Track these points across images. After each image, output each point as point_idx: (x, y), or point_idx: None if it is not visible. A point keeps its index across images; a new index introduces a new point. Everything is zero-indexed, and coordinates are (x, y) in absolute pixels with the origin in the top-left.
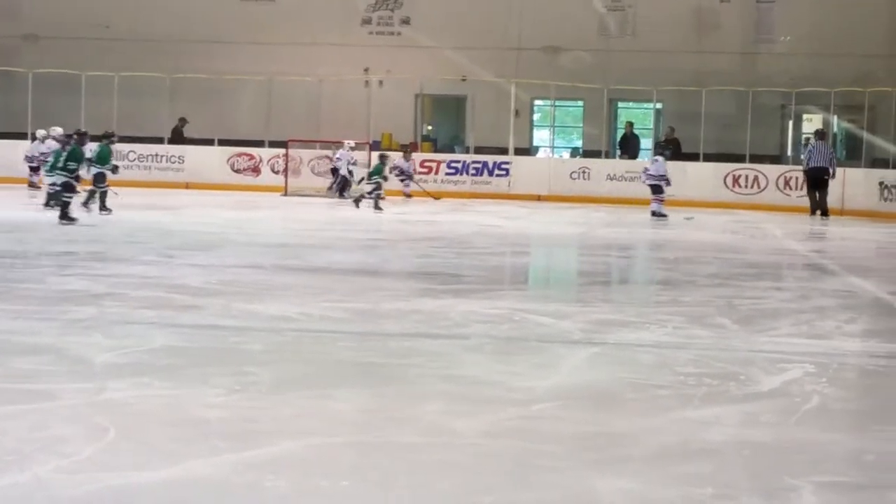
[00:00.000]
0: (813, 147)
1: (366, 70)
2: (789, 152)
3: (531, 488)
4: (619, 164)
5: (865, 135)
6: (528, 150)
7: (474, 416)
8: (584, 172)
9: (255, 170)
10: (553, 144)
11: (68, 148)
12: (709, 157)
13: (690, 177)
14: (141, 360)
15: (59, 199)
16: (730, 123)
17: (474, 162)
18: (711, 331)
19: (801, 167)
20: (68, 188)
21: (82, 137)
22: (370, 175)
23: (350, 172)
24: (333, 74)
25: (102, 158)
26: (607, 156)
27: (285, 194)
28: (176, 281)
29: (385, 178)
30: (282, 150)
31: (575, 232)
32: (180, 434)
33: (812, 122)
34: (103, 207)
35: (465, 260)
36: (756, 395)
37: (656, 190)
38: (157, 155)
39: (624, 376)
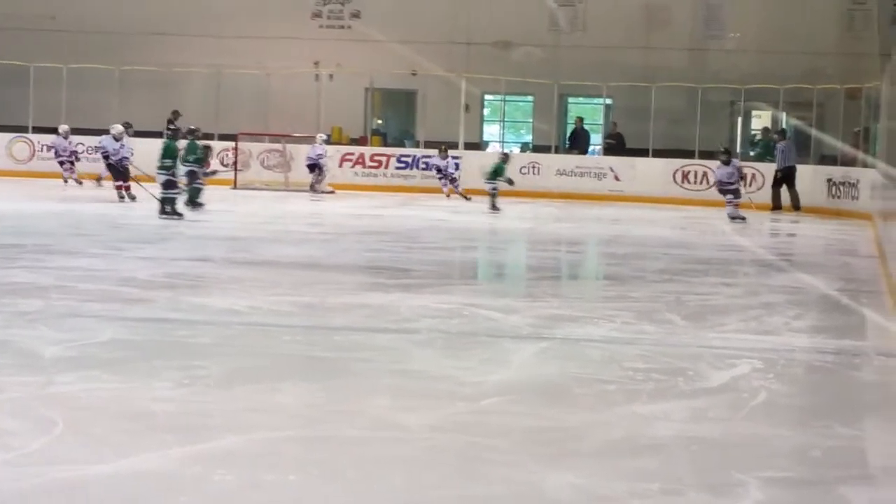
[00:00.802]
0: (785, 146)
1: (316, 63)
2: (738, 149)
3: (479, 483)
4: (569, 160)
5: (814, 132)
6: (478, 145)
7: (423, 410)
8: (533, 167)
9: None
10: (503, 139)
11: (165, 144)
12: (658, 153)
13: (640, 172)
14: (89, 353)
15: (170, 199)
16: (679, 119)
17: (424, 156)
18: (660, 326)
19: (749, 164)
20: (169, 185)
21: (175, 132)
22: (493, 175)
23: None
24: (283, 67)
25: (191, 153)
26: (557, 151)
27: (235, 187)
28: (124, 274)
29: (510, 182)
30: (231, 144)
31: (524, 227)
32: (128, 427)
33: (761, 119)
34: (194, 204)
35: (415, 254)
36: (704, 390)
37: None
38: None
39: (572, 371)
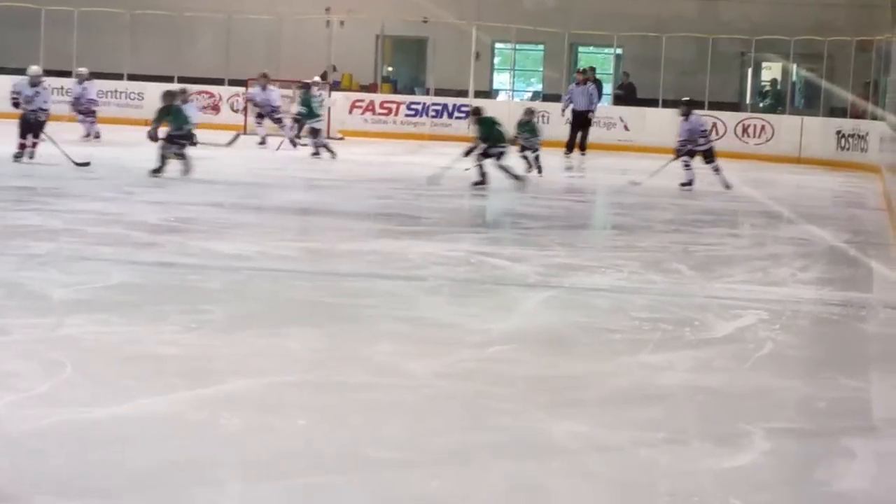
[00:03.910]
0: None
1: (327, 9)
2: (748, 100)
3: (483, 430)
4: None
5: (824, 84)
6: (488, 94)
7: (428, 357)
8: (543, 116)
9: (215, 108)
10: (513, 88)
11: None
12: (668, 104)
13: (649, 123)
14: (97, 296)
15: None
16: (689, 70)
17: (434, 104)
18: (667, 276)
19: (759, 115)
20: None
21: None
22: (530, 131)
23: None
24: (294, 13)
25: (305, 106)
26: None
27: (244, 133)
28: (134, 218)
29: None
30: (241, 89)
31: (533, 175)
32: (136, 371)
33: (771, 70)
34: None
35: (424, 202)
36: (710, 341)
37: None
38: (116, 91)
39: (579, 320)
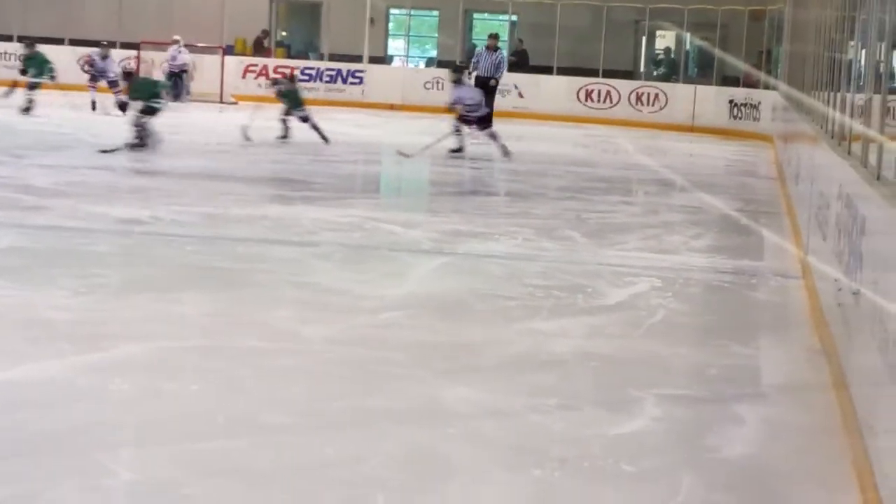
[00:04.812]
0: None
1: None
2: (642, 68)
3: (378, 395)
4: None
5: (717, 53)
6: (382, 59)
7: (323, 323)
8: (438, 83)
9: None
10: (408, 54)
11: None
12: (562, 71)
13: (543, 90)
14: None
15: None
16: (584, 37)
17: (328, 69)
18: (560, 243)
19: (653, 83)
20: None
21: None
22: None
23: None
24: None
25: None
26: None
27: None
28: (24, 181)
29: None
30: (134, 52)
31: (429, 142)
32: (26, 335)
33: (665, 39)
34: None
35: (318, 167)
36: (603, 308)
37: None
38: (5, 53)
39: (473, 287)
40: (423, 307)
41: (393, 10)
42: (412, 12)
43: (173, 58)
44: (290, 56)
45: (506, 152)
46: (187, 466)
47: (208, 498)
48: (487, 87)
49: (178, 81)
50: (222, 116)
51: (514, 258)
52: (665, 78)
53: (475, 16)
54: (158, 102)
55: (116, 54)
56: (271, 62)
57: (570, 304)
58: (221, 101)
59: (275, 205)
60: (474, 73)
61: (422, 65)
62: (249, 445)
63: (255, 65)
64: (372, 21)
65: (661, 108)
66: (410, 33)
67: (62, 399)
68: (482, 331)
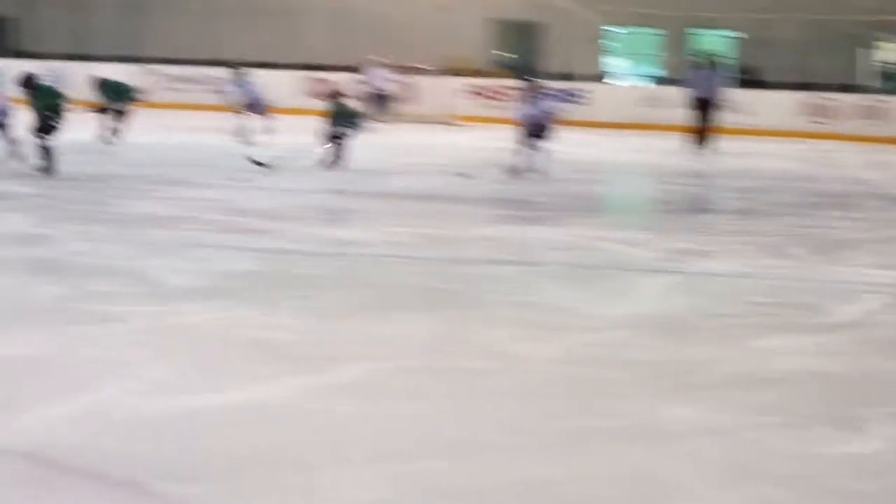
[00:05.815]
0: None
1: None
2: (863, 81)
3: (598, 415)
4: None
5: None
6: (600, 78)
7: (545, 342)
8: (661, 101)
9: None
10: (630, 72)
11: None
12: (782, 86)
13: (765, 105)
14: (212, 283)
15: None
16: (805, 51)
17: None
18: (786, 260)
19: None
20: None
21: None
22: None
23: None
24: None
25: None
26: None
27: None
28: (249, 205)
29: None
30: (356, 75)
31: (651, 160)
32: (249, 357)
33: (887, 51)
34: None
35: (540, 187)
36: (829, 325)
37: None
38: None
39: (697, 305)
40: (645, 326)
41: (613, 29)
42: (631, 30)
43: (373, 79)
44: (509, 76)
45: (515, 171)
46: (407, 486)
47: None
48: (707, 105)
49: (377, 102)
50: (440, 138)
51: (738, 276)
52: (891, 91)
53: (694, 31)
54: (54, 118)
55: (334, 77)
56: (491, 82)
57: (795, 321)
58: (445, 123)
59: (496, 225)
60: (693, 92)
61: (644, 83)
62: (467, 465)
63: (474, 85)
64: (595, 39)
65: (887, 122)
66: (630, 52)
67: (284, 420)
68: (706, 349)
